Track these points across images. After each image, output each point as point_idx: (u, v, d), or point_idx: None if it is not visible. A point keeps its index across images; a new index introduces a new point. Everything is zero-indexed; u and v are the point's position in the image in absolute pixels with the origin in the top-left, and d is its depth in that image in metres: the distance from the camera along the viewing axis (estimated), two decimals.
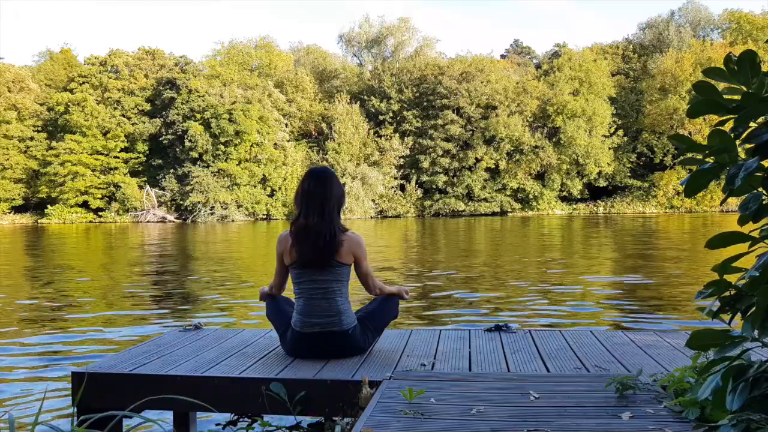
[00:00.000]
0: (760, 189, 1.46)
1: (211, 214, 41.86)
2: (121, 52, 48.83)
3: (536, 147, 45.14)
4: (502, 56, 58.05)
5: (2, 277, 10.87)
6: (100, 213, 44.51)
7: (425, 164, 45.07)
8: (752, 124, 1.45)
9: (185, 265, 12.85)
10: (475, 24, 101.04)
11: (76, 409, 2.62)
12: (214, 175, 42.26)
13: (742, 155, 1.47)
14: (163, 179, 44.00)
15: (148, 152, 46.12)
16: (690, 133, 40.59)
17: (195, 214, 42.10)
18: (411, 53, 51.56)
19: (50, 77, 49.16)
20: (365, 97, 47.47)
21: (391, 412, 1.98)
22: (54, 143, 44.84)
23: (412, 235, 22.86)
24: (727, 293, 1.56)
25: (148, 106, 46.52)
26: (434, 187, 45.66)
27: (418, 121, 46.17)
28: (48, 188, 44.65)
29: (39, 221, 43.67)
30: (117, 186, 44.64)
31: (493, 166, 45.55)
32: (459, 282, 9.02)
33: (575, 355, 2.89)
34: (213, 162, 42.59)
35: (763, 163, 1.43)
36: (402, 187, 45.86)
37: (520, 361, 2.78)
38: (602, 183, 46.24)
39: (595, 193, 47.16)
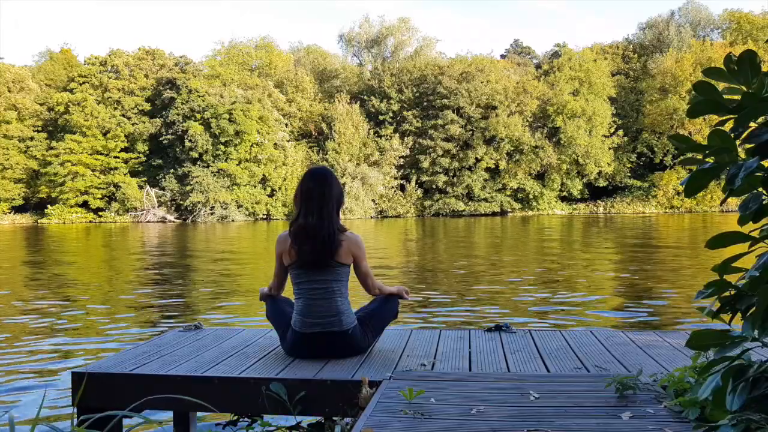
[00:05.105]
0: (760, 189, 1.46)
1: (211, 214, 41.85)
2: (121, 52, 48.79)
3: (536, 147, 45.13)
4: (502, 56, 57.98)
5: (2, 278, 10.86)
6: (100, 213, 44.48)
7: (425, 164, 45.05)
8: (752, 124, 1.45)
9: (185, 265, 12.84)
10: (475, 24, 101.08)
11: (76, 409, 2.62)
12: (214, 175, 42.25)
13: (742, 155, 1.47)
14: (163, 179, 43.98)
15: (148, 152, 46.09)
16: (690, 133, 40.59)
17: (195, 214, 42.09)
18: (411, 53, 51.53)
19: (50, 77, 49.14)
20: (365, 97, 47.45)
21: (391, 412, 1.98)
22: (54, 143, 44.82)
23: (412, 235, 22.85)
24: (727, 293, 1.56)
25: (148, 106, 46.49)
26: (434, 187, 45.65)
27: (418, 121, 46.15)
28: (48, 188, 44.63)
29: (39, 221, 43.63)
30: (117, 186, 44.61)
31: (493, 166, 45.54)
32: (459, 282, 9.02)
33: (575, 355, 2.89)
34: (213, 162, 42.58)
35: (763, 163, 1.43)
36: (402, 187, 45.83)
37: (520, 361, 2.78)
38: (602, 183, 46.23)
39: (595, 193, 47.15)
